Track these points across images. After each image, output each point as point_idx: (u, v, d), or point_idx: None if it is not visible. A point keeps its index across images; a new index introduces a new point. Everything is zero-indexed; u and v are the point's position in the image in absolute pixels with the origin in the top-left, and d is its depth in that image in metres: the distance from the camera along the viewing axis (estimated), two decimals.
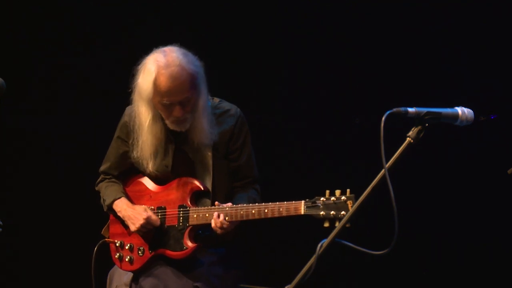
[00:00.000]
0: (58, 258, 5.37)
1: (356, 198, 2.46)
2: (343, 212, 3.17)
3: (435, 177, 4.93)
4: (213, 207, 3.50)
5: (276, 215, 3.36)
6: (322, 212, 3.21)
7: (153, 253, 3.60)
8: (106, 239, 3.73)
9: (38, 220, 5.43)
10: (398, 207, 2.36)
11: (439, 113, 2.51)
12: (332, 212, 3.19)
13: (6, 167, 5.43)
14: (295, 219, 5.18)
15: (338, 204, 3.20)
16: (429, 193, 4.92)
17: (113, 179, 3.77)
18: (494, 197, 4.76)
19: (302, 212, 3.28)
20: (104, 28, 5.32)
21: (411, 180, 4.64)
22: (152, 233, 3.60)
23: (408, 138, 2.48)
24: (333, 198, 3.21)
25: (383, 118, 2.41)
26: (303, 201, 3.29)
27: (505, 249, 4.76)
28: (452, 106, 2.56)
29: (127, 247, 3.67)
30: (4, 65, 4.63)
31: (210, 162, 3.59)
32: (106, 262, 3.78)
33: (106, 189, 3.75)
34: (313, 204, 3.24)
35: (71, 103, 5.42)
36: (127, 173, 3.76)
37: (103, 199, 3.74)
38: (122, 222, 3.70)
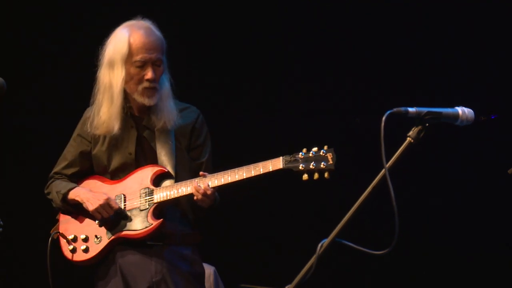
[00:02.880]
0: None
1: (356, 196, 2.45)
2: (323, 164, 3.14)
3: (435, 177, 4.93)
4: (177, 183, 3.47)
5: (253, 174, 3.30)
6: (301, 165, 3.18)
7: (112, 238, 3.52)
8: (60, 232, 3.60)
9: (39, 220, 5.42)
10: (399, 207, 2.36)
11: (440, 113, 2.51)
12: (312, 164, 3.16)
13: (6, 167, 5.43)
14: (294, 216, 5.20)
15: (318, 157, 3.17)
16: (429, 193, 4.92)
17: (65, 178, 3.71)
18: (494, 197, 4.76)
19: (281, 166, 3.23)
20: (105, 28, 5.32)
21: (412, 180, 4.64)
22: (112, 219, 3.54)
23: (408, 138, 2.48)
24: (311, 152, 3.19)
25: (384, 118, 2.41)
26: (281, 157, 3.25)
27: (505, 249, 4.76)
28: (452, 106, 2.56)
29: (81, 238, 3.58)
30: (4, 65, 4.63)
31: (172, 150, 3.57)
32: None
33: (59, 184, 3.68)
34: (292, 159, 3.21)
35: (71, 103, 5.41)
36: (80, 176, 3.71)
37: (56, 192, 3.65)
38: (73, 218, 3.63)
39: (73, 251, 3.59)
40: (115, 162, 3.60)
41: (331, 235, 2.44)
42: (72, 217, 3.66)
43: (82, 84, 5.34)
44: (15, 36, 5.40)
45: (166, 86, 3.59)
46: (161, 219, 3.47)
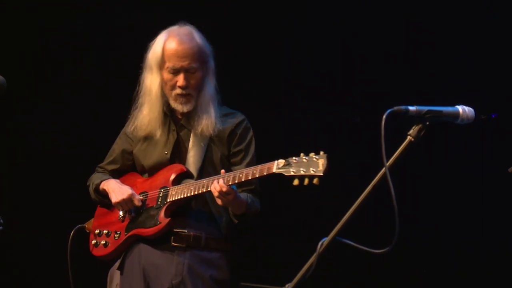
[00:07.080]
0: (56, 255, 5.36)
1: (356, 195, 2.45)
2: (312, 170, 3.10)
3: (435, 176, 4.93)
4: (193, 182, 3.48)
5: (250, 177, 3.30)
6: (292, 171, 3.15)
7: (128, 234, 3.58)
8: (86, 225, 3.74)
9: (39, 220, 5.43)
10: (399, 206, 2.36)
11: (440, 112, 2.51)
12: (302, 169, 3.13)
13: (6, 166, 5.43)
14: (294, 215, 5.20)
15: (310, 162, 3.13)
16: (429, 192, 4.92)
17: (106, 172, 3.81)
18: (494, 197, 4.76)
19: (274, 170, 3.21)
20: (105, 28, 5.32)
21: (412, 179, 4.63)
22: (132, 216, 3.60)
23: (408, 137, 2.48)
24: (305, 157, 3.15)
25: (384, 117, 2.41)
26: (276, 161, 3.23)
27: (505, 249, 4.75)
28: (453, 105, 2.56)
29: (104, 233, 3.67)
30: (4, 64, 4.63)
31: (202, 152, 3.58)
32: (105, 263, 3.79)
33: (97, 176, 3.79)
34: (286, 163, 3.19)
35: (72, 103, 5.41)
36: (121, 173, 3.79)
37: (92, 183, 3.77)
38: (106, 213, 3.72)
39: (96, 245, 3.68)
40: (151, 161, 3.65)
41: (332, 233, 2.44)
42: (106, 212, 3.73)
43: (83, 84, 5.37)
44: (15, 35, 5.40)
45: (208, 92, 3.61)
46: (169, 219, 3.48)
